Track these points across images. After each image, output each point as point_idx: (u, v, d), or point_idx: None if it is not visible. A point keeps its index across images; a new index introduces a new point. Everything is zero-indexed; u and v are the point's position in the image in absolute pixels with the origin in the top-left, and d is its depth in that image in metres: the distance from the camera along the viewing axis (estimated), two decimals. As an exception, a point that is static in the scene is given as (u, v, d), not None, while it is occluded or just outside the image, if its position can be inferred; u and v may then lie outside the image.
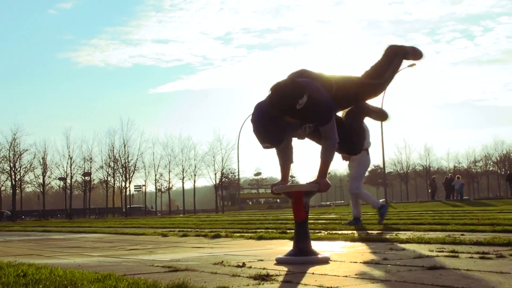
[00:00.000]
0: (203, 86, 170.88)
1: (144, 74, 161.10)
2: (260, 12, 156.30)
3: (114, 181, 47.77)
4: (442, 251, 3.74)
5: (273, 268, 3.17)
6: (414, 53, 4.13)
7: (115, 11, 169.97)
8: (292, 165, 3.93)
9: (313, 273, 2.88)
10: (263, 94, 3.51)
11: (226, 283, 2.60)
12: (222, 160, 50.51)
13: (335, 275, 2.79)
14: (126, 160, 46.91)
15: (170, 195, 52.92)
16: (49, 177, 45.89)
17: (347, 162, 8.16)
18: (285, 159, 3.80)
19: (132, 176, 47.45)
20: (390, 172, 67.38)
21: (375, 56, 4.04)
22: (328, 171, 3.78)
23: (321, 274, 2.82)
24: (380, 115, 4.38)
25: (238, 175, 52.80)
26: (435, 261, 3.17)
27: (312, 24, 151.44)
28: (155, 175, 49.32)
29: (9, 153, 43.31)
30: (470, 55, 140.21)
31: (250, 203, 52.01)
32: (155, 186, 50.03)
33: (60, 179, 46.24)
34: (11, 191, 44.39)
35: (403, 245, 4.34)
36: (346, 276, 2.74)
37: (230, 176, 63.12)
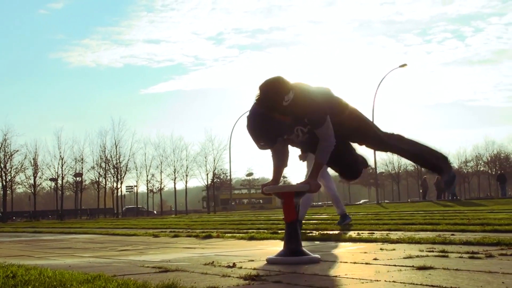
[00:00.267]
0: (195, 86, 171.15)
1: (136, 74, 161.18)
2: (252, 12, 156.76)
3: (105, 182, 47.57)
4: (432, 251, 3.77)
5: (264, 268, 3.18)
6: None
7: (106, 11, 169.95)
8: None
9: (303, 273, 2.88)
10: (255, 94, 3.52)
11: (216, 283, 2.60)
12: (214, 160, 50.37)
13: (325, 275, 2.80)
14: (118, 161, 46.71)
15: (162, 195, 52.78)
16: (40, 178, 45.57)
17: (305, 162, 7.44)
18: (279, 161, 3.79)
19: (123, 177, 47.26)
20: (382, 173, 67.58)
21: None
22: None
23: (311, 274, 2.83)
24: (363, 162, 4.36)
25: (230, 175, 52.73)
26: (425, 261, 3.18)
27: (304, 25, 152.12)
28: (147, 176, 49.12)
29: (-1, 154, 43.06)
30: (461, 55, 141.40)
31: (233, 203, 51.90)
32: (147, 186, 49.80)
33: (51, 180, 45.94)
34: (2, 192, 44.02)
35: (393, 245, 4.36)
36: (336, 276, 2.75)
37: (222, 177, 63.00)
